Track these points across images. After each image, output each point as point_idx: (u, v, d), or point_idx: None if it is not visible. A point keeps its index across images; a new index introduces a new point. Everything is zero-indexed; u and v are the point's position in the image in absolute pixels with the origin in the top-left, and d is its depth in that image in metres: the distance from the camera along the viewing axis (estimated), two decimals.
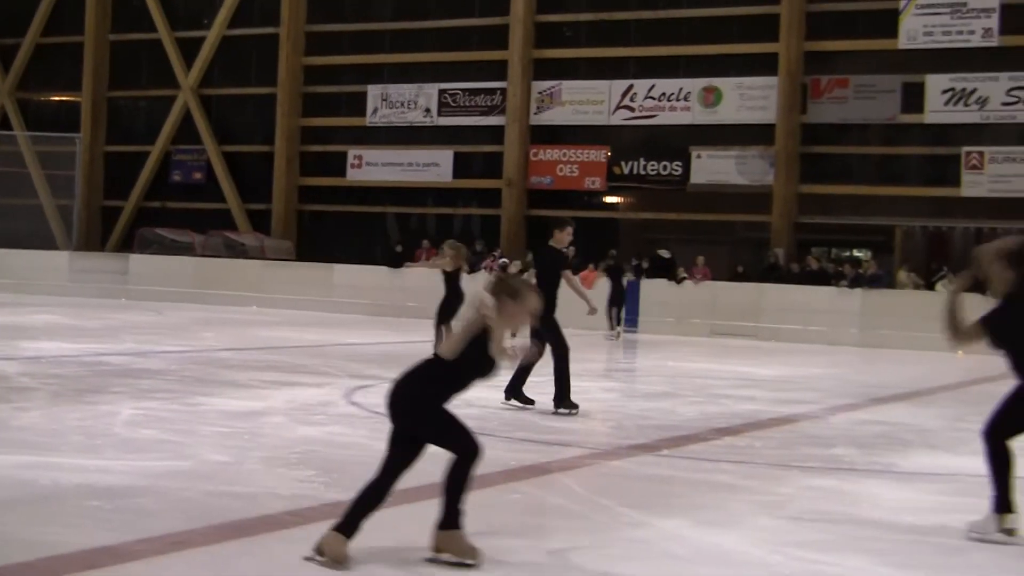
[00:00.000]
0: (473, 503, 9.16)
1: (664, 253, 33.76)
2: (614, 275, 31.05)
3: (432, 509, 7.42)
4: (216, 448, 10.92)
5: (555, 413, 14.02)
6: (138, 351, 20.41)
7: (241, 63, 44.77)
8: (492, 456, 11.10)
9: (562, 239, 16.24)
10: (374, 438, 11.78)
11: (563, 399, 14.21)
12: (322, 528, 7.29)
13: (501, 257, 34.70)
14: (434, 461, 7.45)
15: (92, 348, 20.35)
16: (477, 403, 15.04)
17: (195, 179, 45.14)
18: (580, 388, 17.96)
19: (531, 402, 14.41)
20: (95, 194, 46.75)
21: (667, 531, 8.40)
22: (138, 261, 39.09)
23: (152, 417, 12.55)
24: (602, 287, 31.19)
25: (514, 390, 14.55)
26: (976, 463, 12.03)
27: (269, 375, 17.28)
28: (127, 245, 43.29)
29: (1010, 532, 8.43)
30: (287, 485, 9.35)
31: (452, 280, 21.60)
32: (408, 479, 7.51)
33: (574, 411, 14.15)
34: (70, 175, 46.09)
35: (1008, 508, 8.48)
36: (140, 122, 47.12)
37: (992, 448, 8.72)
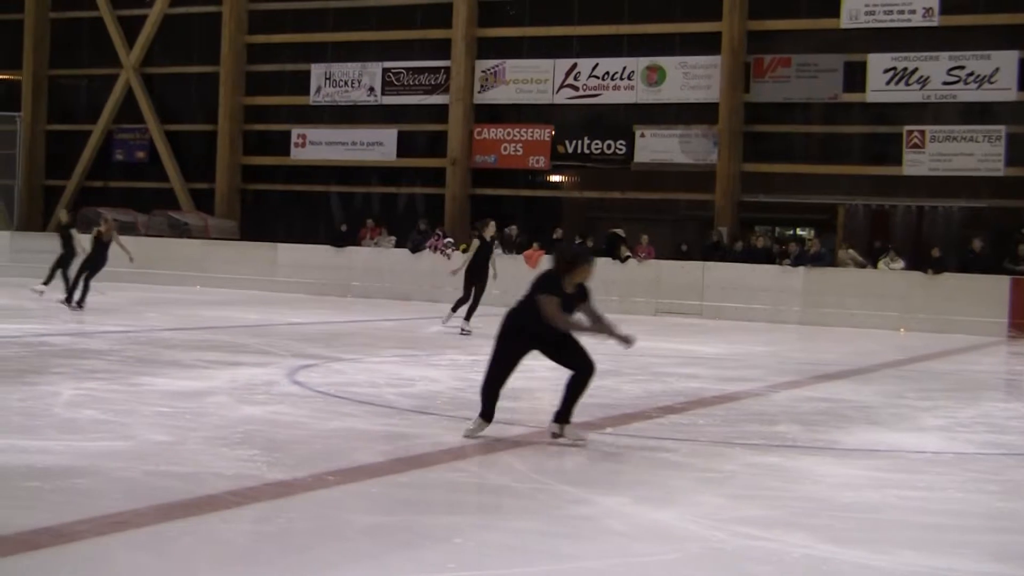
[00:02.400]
0: (415, 482, 9.19)
1: (619, 231, 33.79)
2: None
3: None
4: (158, 428, 10.87)
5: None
6: (80, 331, 20.30)
7: (183, 42, 44.44)
8: (434, 435, 11.13)
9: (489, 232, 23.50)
10: (317, 417, 11.80)
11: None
12: (264, 507, 7.28)
13: (446, 237, 34.66)
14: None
15: (33, 329, 20.21)
16: (420, 382, 15.07)
17: (138, 158, 44.80)
18: (525, 367, 17.99)
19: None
20: (36, 173, 46.31)
21: (610, 508, 8.43)
22: (80, 241, 38.68)
23: (93, 397, 12.48)
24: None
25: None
26: (915, 439, 12.17)
27: (212, 355, 17.21)
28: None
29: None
30: (229, 465, 9.33)
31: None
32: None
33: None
34: (11, 154, 45.66)
35: None
36: (81, 101, 46.68)
37: None
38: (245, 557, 7.01)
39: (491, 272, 23.77)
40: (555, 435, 10.93)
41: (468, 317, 22.90)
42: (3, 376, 13.99)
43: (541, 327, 11.06)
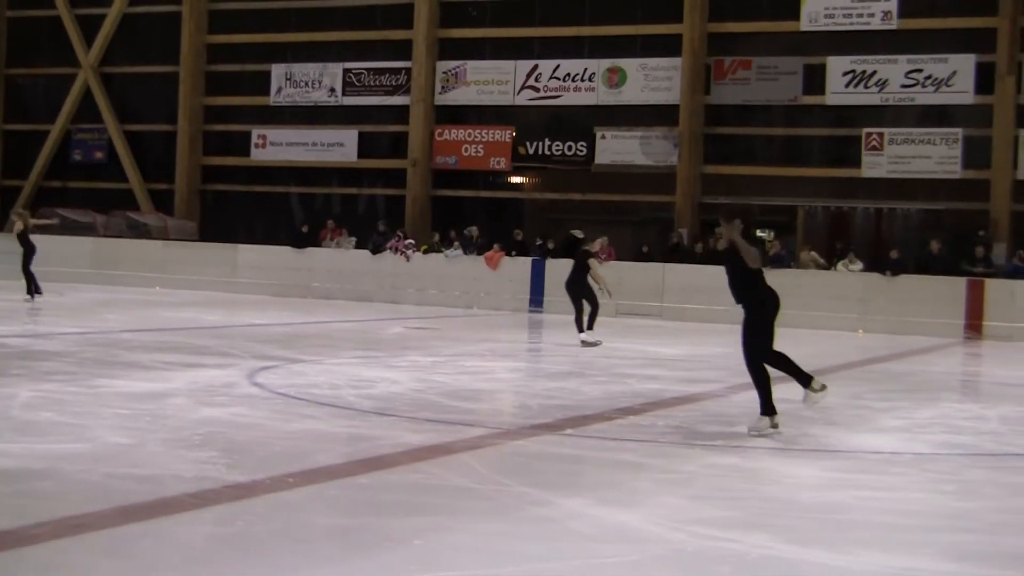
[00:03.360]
0: (375, 483, 9.17)
1: (577, 233, 33.80)
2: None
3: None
4: (117, 430, 10.82)
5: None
6: (38, 333, 20.19)
7: (143, 41, 44.25)
8: (395, 436, 11.12)
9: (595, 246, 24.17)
10: (277, 419, 11.77)
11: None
12: (224, 510, 7.25)
13: (407, 238, 34.64)
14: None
15: None
16: (381, 383, 15.05)
17: (96, 158, 44.61)
18: (485, 368, 18.02)
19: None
20: None
21: (571, 510, 8.44)
22: (38, 241, 38.47)
23: (51, 400, 12.41)
24: (515, 268, 31.25)
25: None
26: (874, 440, 12.23)
27: (171, 356, 17.15)
28: None
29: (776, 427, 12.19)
30: (189, 467, 9.29)
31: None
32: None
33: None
34: None
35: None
36: (39, 100, 46.41)
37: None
38: (205, 560, 6.99)
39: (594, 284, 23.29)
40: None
41: (590, 326, 22.60)
42: None
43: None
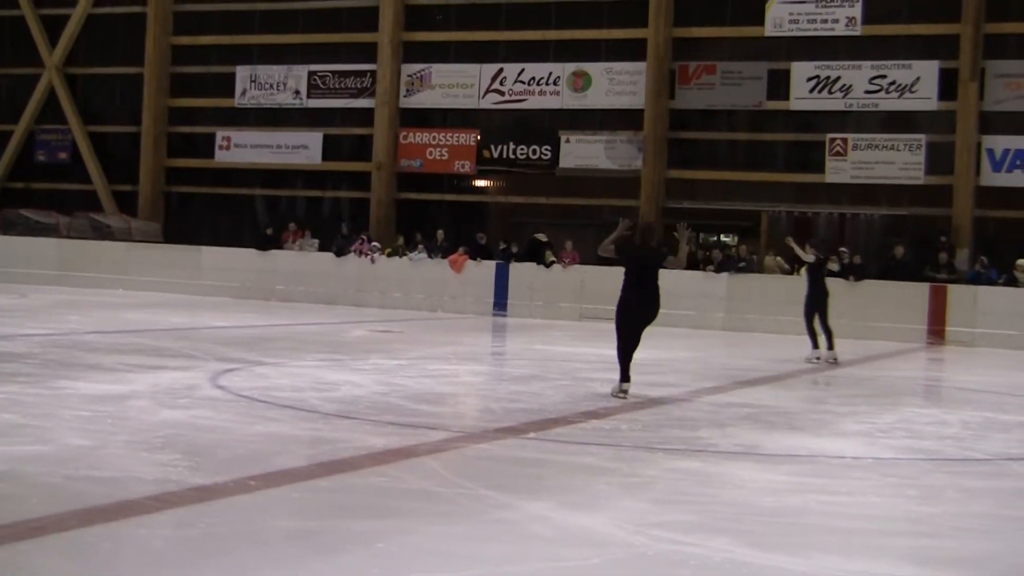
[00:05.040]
0: (337, 486, 9.16)
1: (541, 237, 33.86)
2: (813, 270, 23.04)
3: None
4: (78, 432, 10.77)
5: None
6: (0, 335, 20.08)
7: (107, 42, 44.10)
8: (357, 439, 11.11)
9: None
10: (239, 421, 11.74)
11: None
12: (185, 512, 7.23)
13: (372, 241, 34.61)
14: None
15: None
16: (344, 386, 15.04)
17: (60, 159, 44.43)
18: (449, 371, 18.02)
19: None
20: None
21: (532, 513, 8.44)
22: (1, 243, 38.39)
23: (12, 401, 12.35)
24: (479, 271, 31.26)
25: None
26: (836, 444, 12.29)
27: (134, 358, 17.09)
28: None
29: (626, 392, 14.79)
30: (151, 469, 9.26)
31: (815, 273, 22.61)
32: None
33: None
34: None
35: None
36: (2, 100, 46.16)
37: None
38: (167, 562, 6.97)
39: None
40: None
41: (831, 346, 22.05)
42: None
43: None
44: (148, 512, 7.99)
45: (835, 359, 21.88)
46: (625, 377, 15.26)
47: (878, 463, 11.41)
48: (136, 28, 43.03)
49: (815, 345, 22.18)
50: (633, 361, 15.55)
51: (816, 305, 22.21)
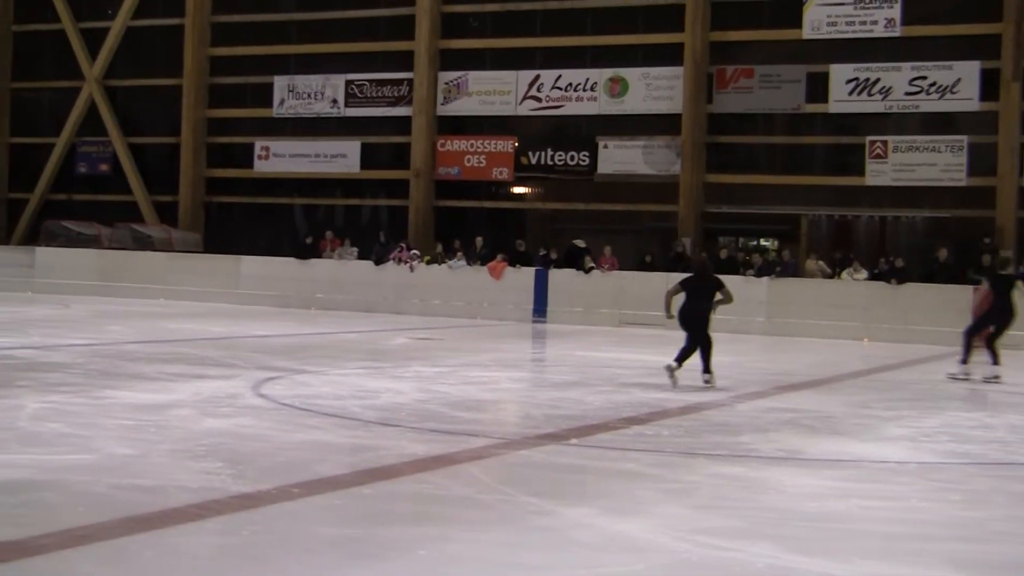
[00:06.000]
0: (379, 493, 9.18)
1: (580, 243, 33.82)
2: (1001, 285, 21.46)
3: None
4: (122, 441, 10.82)
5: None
6: (44, 345, 20.19)
7: (146, 54, 44.34)
8: (398, 447, 11.13)
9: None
10: (281, 430, 11.77)
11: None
12: (228, 520, 7.26)
13: (411, 248, 34.66)
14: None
15: None
16: (385, 394, 15.05)
17: (101, 171, 44.66)
18: (489, 378, 18.01)
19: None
20: None
21: (574, 519, 8.43)
22: (44, 254, 38.62)
23: (57, 411, 12.42)
24: (518, 278, 31.28)
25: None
26: (879, 449, 12.22)
27: (176, 368, 17.16)
28: (33, 238, 42.75)
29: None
30: (193, 477, 9.29)
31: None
32: None
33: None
34: None
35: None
36: (45, 114, 46.48)
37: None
38: (209, 570, 6.99)
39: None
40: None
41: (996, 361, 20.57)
42: None
43: None
44: (192, 520, 8.02)
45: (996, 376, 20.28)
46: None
47: (922, 467, 11.35)
48: (174, 40, 43.23)
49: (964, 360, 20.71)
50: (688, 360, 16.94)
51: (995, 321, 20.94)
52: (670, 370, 17.11)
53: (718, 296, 17.91)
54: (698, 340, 17.54)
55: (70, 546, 7.26)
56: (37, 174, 45.21)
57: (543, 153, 38.62)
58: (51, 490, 8.72)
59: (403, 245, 34.90)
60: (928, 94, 34.61)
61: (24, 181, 45.62)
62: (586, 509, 8.75)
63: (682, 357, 17.38)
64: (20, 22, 46.15)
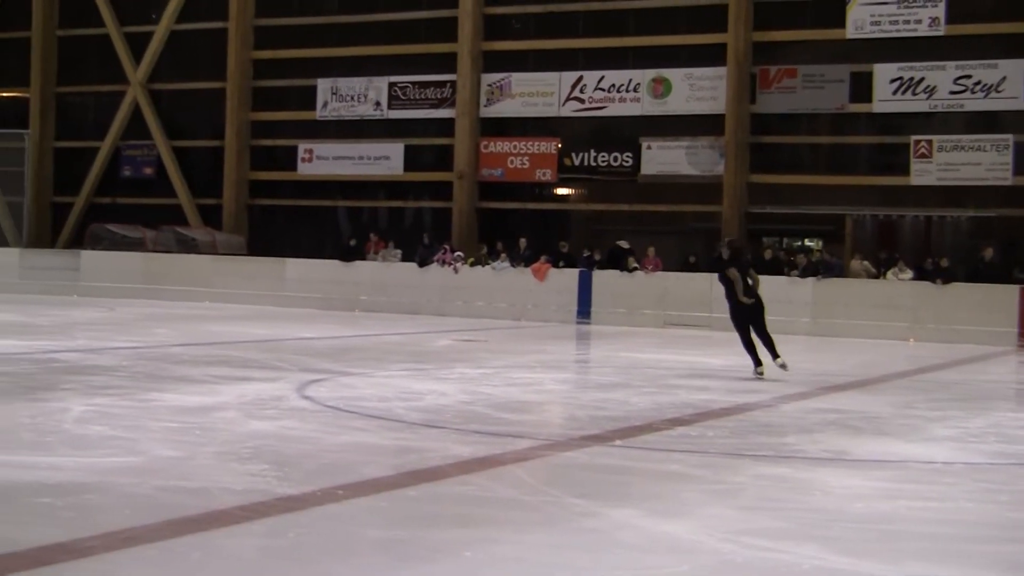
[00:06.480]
0: (424, 495, 9.18)
1: (624, 244, 33.79)
2: None
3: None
4: (167, 443, 10.87)
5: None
6: (89, 348, 20.31)
7: (190, 58, 44.52)
8: (443, 448, 11.13)
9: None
10: (326, 431, 11.80)
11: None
12: (274, 522, 7.28)
13: (454, 250, 34.69)
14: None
15: (43, 345, 20.23)
16: (429, 395, 15.07)
17: (145, 174, 44.86)
18: (533, 379, 18.01)
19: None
20: (45, 190, 46.40)
21: (619, 521, 8.42)
22: (89, 257, 38.88)
23: (103, 413, 12.49)
24: (562, 279, 31.27)
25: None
26: (926, 450, 12.15)
27: (221, 370, 17.23)
28: (78, 241, 43.02)
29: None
30: (239, 480, 9.32)
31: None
32: None
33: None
34: (19, 171, 45.72)
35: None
36: (89, 117, 46.73)
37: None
38: (255, 572, 7.01)
39: None
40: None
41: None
42: (13, 393, 14.00)
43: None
44: (237, 522, 8.05)
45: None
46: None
47: (969, 468, 11.28)
48: (218, 43, 43.39)
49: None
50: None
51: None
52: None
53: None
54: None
55: (116, 548, 7.29)
56: (82, 178, 45.46)
57: (586, 154, 38.57)
58: (97, 492, 8.76)
59: (447, 247, 34.95)
60: (973, 93, 34.38)
61: (69, 185, 45.87)
62: (631, 510, 8.73)
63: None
64: (65, 27, 46.40)
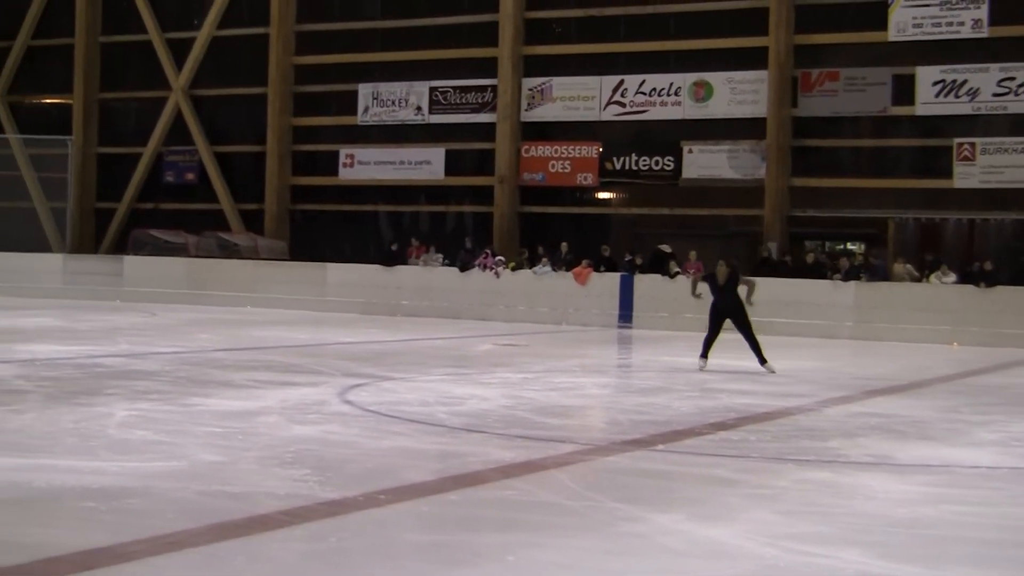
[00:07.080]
0: (466, 500, 9.18)
1: (665, 248, 33.75)
2: None
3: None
4: (210, 448, 10.91)
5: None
6: (132, 353, 20.41)
7: (231, 63, 44.69)
8: (485, 453, 11.13)
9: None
10: (368, 436, 11.82)
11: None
12: (316, 526, 7.29)
13: (496, 255, 34.71)
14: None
15: (86, 350, 20.35)
16: (471, 400, 15.08)
17: (187, 180, 45.04)
18: (575, 384, 17.99)
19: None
20: (88, 196, 46.66)
21: (662, 526, 8.40)
22: (132, 263, 39.09)
23: (146, 418, 12.55)
24: (603, 283, 31.20)
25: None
26: (970, 454, 12.08)
27: (263, 375, 17.28)
28: (121, 247, 43.22)
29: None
30: (282, 484, 9.35)
31: None
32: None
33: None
34: (63, 177, 45.98)
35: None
36: (131, 123, 46.98)
37: None
38: None
39: None
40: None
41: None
42: (57, 398, 14.08)
43: None
44: (280, 527, 8.07)
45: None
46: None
47: (1014, 473, 11.21)
48: (259, 49, 43.53)
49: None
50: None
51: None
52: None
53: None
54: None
55: (160, 552, 7.32)
56: (125, 183, 45.68)
57: (627, 158, 38.52)
58: (140, 497, 8.80)
59: (488, 251, 34.97)
60: (1016, 95, 34.15)
61: (112, 191, 46.10)
62: (674, 515, 8.71)
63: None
64: (108, 33, 46.65)
